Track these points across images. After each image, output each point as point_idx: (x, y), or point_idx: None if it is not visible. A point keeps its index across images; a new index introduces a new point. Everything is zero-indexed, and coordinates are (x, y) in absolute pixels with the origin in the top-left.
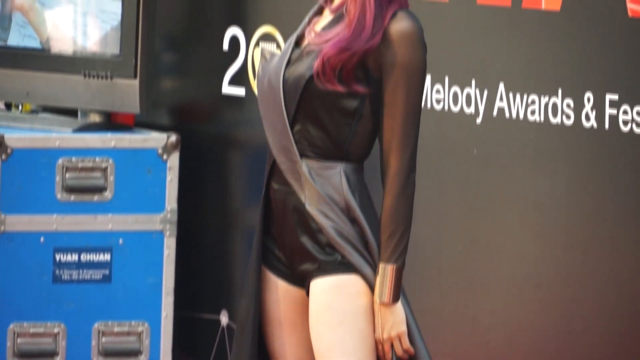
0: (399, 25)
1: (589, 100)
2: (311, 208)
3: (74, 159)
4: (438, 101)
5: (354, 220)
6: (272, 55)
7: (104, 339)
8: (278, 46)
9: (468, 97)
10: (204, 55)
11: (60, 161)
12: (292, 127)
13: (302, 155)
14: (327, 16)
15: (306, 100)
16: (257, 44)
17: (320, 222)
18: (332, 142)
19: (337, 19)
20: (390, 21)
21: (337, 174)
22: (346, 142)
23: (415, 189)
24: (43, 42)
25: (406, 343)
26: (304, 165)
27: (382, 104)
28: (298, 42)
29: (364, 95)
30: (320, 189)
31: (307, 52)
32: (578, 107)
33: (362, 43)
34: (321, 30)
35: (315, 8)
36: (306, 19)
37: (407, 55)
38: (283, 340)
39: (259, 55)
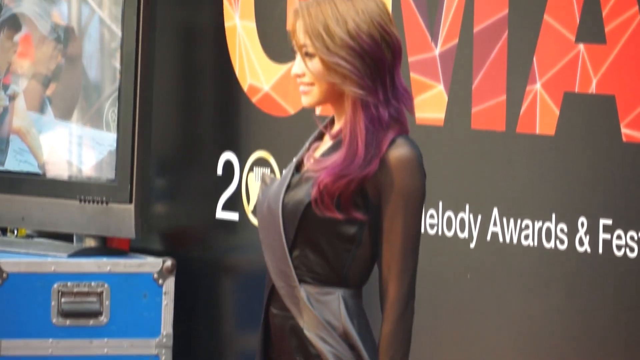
0: (398, 152)
1: (582, 225)
2: (310, 333)
3: (69, 283)
4: (432, 226)
5: (352, 347)
6: (273, 180)
7: None
8: (272, 171)
9: (462, 221)
10: (198, 180)
11: (55, 286)
12: (291, 252)
13: (300, 280)
14: (327, 141)
15: (305, 226)
16: (251, 169)
17: (319, 348)
18: (331, 268)
19: (337, 145)
20: (389, 147)
21: (335, 299)
22: (345, 268)
23: (414, 315)
24: (40, 165)
25: None
26: (303, 291)
27: (381, 230)
28: (298, 167)
29: (363, 222)
30: (319, 315)
31: (306, 178)
32: (572, 232)
33: (357, 170)
34: (320, 157)
35: (315, 133)
36: (307, 144)
37: (406, 182)
38: None
39: (255, 179)
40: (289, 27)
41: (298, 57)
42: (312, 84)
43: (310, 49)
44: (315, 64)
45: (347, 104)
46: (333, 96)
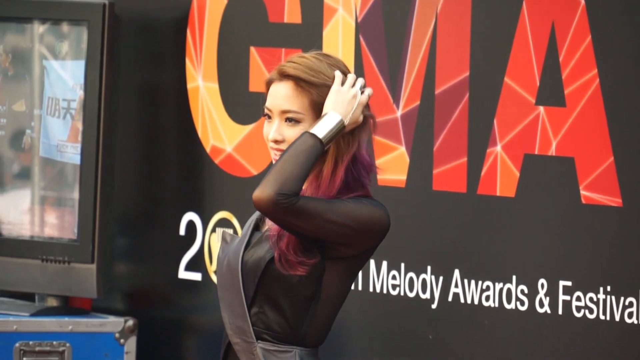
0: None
1: (542, 286)
2: None
3: (31, 342)
4: (394, 287)
5: None
6: (233, 238)
7: None
8: (235, 232)
9: (424, 282)
10: (161, 240)
11: (17, 345)
12: (249, 309)
13: (257, 337)
14: None
15: (265, 283)
16: (213, 229)
17: None
18: (289, 327)
19: None
20: None
21: (291, 357)
22: (303, 327)
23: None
24: None
25: None
26: (259, 348)
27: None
28: (258, 226)
29: (321, 280)
30: None
31: (267, 237)
32: (532, 293)
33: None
34: None
35: None
36: None
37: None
38: None
39: (219, 238)
40: (269, 90)
41: (276, 122)
42: None
43: (294, 115)
44: (299, 130)
45: (328, 161)
46: None
